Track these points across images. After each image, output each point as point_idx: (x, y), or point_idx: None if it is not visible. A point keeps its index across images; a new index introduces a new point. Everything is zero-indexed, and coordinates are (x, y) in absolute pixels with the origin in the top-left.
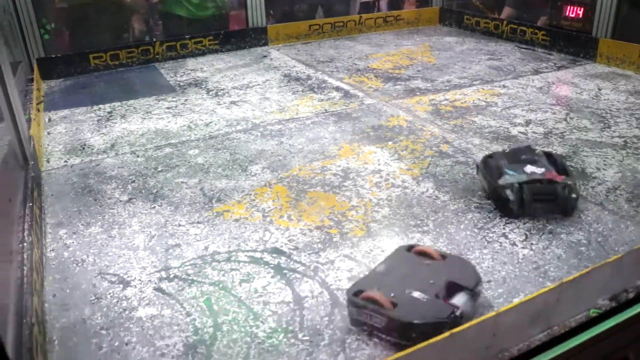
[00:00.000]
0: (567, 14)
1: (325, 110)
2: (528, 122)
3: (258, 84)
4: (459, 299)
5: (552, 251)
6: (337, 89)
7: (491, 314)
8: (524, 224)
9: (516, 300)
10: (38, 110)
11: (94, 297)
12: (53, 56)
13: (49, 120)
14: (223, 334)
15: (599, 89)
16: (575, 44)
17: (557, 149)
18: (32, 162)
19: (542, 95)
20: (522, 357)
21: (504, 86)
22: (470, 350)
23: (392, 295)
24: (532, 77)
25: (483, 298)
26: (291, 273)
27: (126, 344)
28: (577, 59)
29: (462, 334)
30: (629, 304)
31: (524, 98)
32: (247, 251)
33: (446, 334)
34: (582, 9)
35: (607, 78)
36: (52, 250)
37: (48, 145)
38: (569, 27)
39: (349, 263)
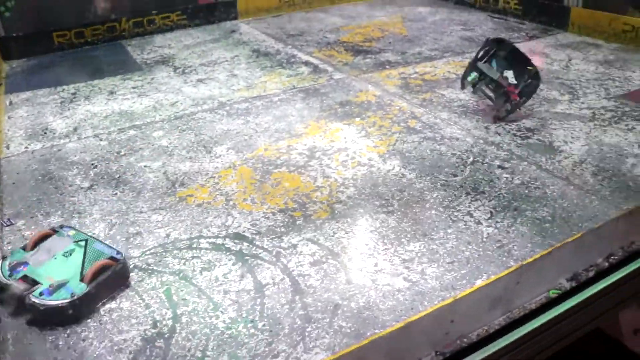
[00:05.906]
0: None
1: (294, 86)
2: None
3: (226, 60)
4: None
5: (517, 229)
6: (306, 63)
7: (448, 300)
8: (490, 201)
9: (478, 283)
10: None
11: None
12: (14, 35)
13: (10, 103)
14: (182, 326)
15: (570, 59)
16: (547, 13)
17: (525, 122)
18: None
19: None
20: (481, 342)
21: None
22: (428, 338)
23: None
24: None
25: (446, 280)
26: (253, 259)
27: (83, 340)
28: (549, 29)
29: (418, 322)
30: (589, 283)
31: None
32: (209, 237)
33: (401, 323)
34: None
35: (578, 48)
36: (9, 243)
37: (8, 130)
38: None
39: (312, 247)
